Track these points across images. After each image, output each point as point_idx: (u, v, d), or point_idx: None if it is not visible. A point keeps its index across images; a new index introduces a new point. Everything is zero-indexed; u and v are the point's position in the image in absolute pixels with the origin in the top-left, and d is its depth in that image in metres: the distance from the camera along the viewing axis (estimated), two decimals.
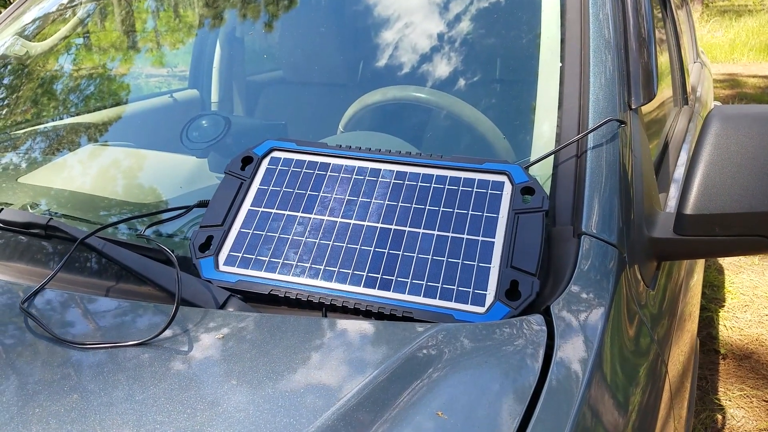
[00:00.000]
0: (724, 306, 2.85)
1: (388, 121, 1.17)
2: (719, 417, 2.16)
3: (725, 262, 3.24)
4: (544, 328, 0.64)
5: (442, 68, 1.14)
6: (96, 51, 1.63)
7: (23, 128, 1.35)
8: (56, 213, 0.97)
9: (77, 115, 1.42)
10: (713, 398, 2.23)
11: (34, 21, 1.61)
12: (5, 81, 1.47)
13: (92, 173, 1.11)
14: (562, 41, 0.95)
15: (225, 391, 0.57)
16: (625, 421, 0.62)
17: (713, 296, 2.92)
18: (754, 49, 8.90)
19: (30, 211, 0.98)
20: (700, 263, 1.36)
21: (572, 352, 0.62)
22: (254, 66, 1.85)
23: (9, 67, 1.48)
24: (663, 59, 1.60)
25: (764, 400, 2.22)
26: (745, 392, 2.27)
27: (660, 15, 1.67)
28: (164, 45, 1.75)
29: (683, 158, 1.36)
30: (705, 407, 2.20)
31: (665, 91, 1.54)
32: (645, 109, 1.15)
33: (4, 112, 1.41)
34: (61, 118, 1.41)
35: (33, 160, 1.20)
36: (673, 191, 1.18)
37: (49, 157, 1.21)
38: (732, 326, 2.69)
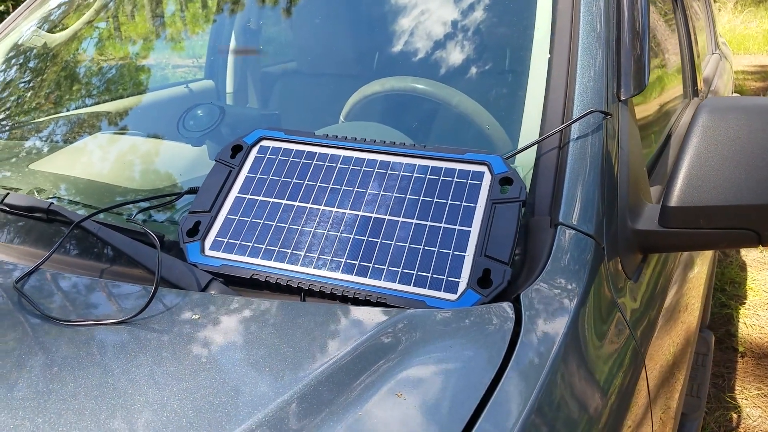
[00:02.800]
0: (745, 303, 2.80)
1: (387, 111, 1.18)
2: (734, 416, 2.12)
3: (748, 258, 3.17)
4: (513, 315, 0.65)
5: (440, 59, 1.15)
6: (111, 42, 1.68)
7: (40, 117, 1.40)
8: (59, 198, 1.01)
9: (93, 105, 1.47)
10: (728, 396, 2.19)
11: (51, 12, 1.66)
12: (23, 71, 1.53)
13: (98, 161, 1.16)
14: (552, 33, 0.95)
15: (193, 368, 0.60)
16: (592, 410, 0.63)
17: (734, 293, 2.86)
18: None
19: (35, 195, 1.02)
20: (704, 256, 1.34)
21: (538, 339, 0.62)
22: (268, 58, 1.88)
23: (26, 57, 1.54)
24: (672, 51, 1.57)
25: None
26: (763, 391, 2.23)
27: (670, 6, 1.64)
28: (180, 37, 1.79)
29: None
30: (720, 405, 2.16)
31: (671, 83, 1.52)
32: (645, 100, 1.14)
33: (22, 101, 1.46)
34: (76, 109, 1.46)
35: (45, 148, 1.25)
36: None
37: (59, 146, 1.26)
38: (752, 324, 2.63)
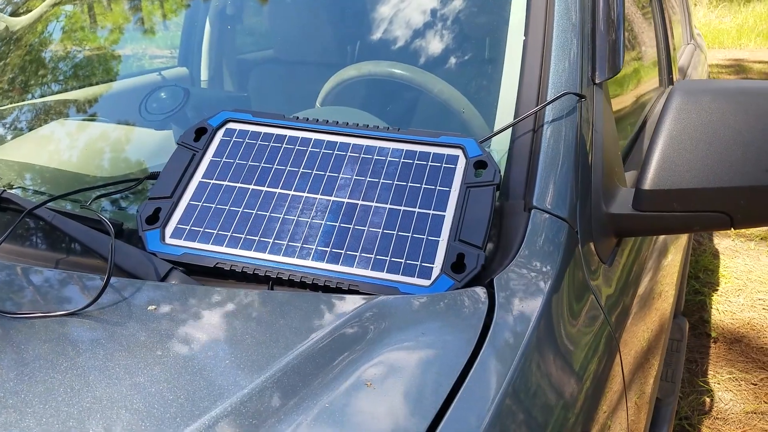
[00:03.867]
0: (717, 290, 2.84)
1: (364, 96, 1.16)
2: (707, 399, 2.15)
3: (720, 246, 3.22)
4: (486, 300, 0.64)
5: (418, 45, 1.12)
6: (80, 27, 1.62)
7: (2, 104, 1.35)
8: (21, 187, 0.97)
9: (59, 92, 1.42)
10: (701, 381, 2.22)
11: None
12: None
13: (62, 148, 1.11)
14: (527, 17, 0.93)
15: (147, 362, 0.56)
16: (566, 395, 0.62)
17: (707, 280, 2.91)
18: (762, 34, 8.76)
19: None
20: (678, 244, 1.34)
21: (511, 324, 0.61)
22: (244, 45, 1.83)
23: None
24: (647, 40, 1.57)
25: (752, 384, 2.22)
26: (734, 375, 2.26)
27: None
28: (152, 22, 1.74)
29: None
30: (693, 390, 2.19)
31: (648, 71, 1.51)
32: (622, 88, 1.13)
33: None
34: (41, 96, 1.40)
35: (8, 136, 1.20)
36: None
37: (17, 133, 1.20)
38: (724, 310, 2.67)
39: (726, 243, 3.26)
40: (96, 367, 0.56)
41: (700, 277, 2.91)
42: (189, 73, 1.93)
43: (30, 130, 1.22)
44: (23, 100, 1.38)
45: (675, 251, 1.29)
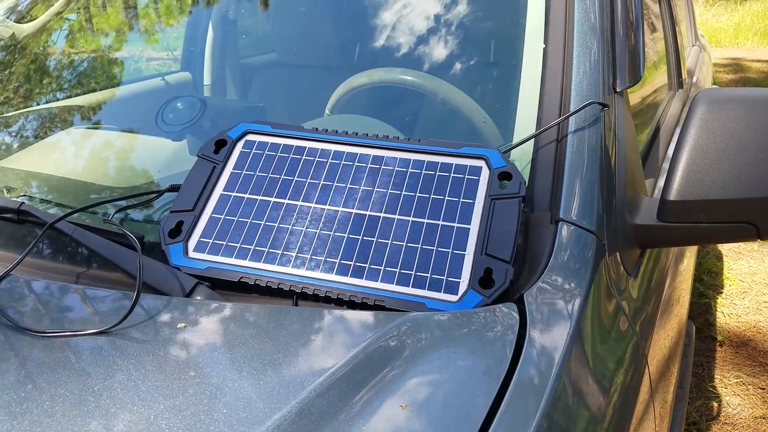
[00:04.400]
0: (722, 293, 2.84)
1: (375, 103, 1.15)
2: (715, 404, 2.15)
3: (724, 248, 3.22)
4: (517, 317, 0.63)
5: (429, 51, 1.11)
6: (83, 34, 1.61)
7: (8, 111, 1.33)
8: (30, 197, 0.95)
9: (65, 99, 1.41)
10: (709, 386, 2.22)
11: (19, 2, 1.59)
12: None
13: (72, 157, 1.10)
14: (546, 23, 0.93)
15: (181, 383, 0.55)
16: (599, 411, 0.61)
17: (711, 283, 2.90)
18: (759, 33, 8.78)
19: (5, 195, 0.97)
20: (692, 248, 1.34)
21: (544, 342, 0.60)
22: (247, 49, 1.82)
23: None
24: (657, 43, 1.56)
25: (761, 388, 2.21)
26: (742, 379, 2.26)
27: None
28: (156, 27, 1.73)
29: (675, 143, 1.34)
30: (701, 395, 2.19)
31: (659, 75, 1.51)
32: (635, 93, 1.13)
33: None
34: (46, 102, 1.39)
35: (15, 144, 1.18)
36: (662, 177, 1.16)
37: (30, 141, 1.19)
38: (730, 313, 2.67)
39: (729, 245, 3.26)
40: (130, 389, 0.55)
41: (704, 280, 2.91)
42: (192, 77, 1.93)
43: (39, 137, 1.21)
44: (29, 107, 1.36)
45: (690, 256, 1.29)
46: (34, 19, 1.55)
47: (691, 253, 1.30)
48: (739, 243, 3.23)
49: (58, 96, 1.42)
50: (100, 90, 1.45)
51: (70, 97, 1.41)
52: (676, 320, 1.04)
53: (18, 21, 1.56)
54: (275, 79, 1.54)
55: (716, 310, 2.69)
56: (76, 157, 1.10)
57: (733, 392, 2.20)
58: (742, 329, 2.55)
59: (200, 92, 1.82)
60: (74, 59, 1.53)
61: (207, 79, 1.89)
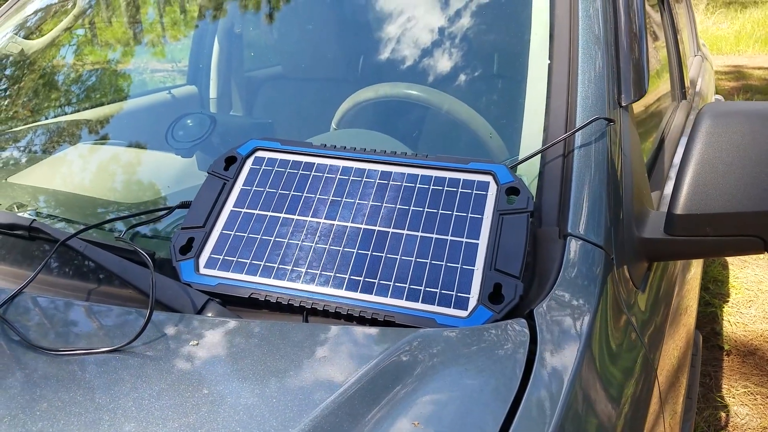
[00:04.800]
0: (728, 301, 2.83)
1: (381, 118, 1.16)
2: (723, 414, 2.13)
3: (730, 257, 3.21)
4: (527, 332, 0.63)
5: (434, 66, 1.12)
6: (90, 48, 1.63)
7: (17, 126, 1.35)
8: (40, 214, 0.96)
9: (72, 113, 1.42)
10: (716, 396, 2.21)
11: (28, 19, 1.61)
12: None
13: (81, 173, 1.11)
14: (551, 38, 0.94)
15: (195, 401, 0.56)
16: (611, 425, 0.61)
17: (717, 291, 2.90)
18: (760, 40, 8.80)
19: (16, 211, 0.97)
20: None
21: (555, 357, 0.60)
22: (253, 62, 1.84)
23: (2, 65, 1.48)
24: (660, 54, 1.57)
25: None
26: (749, 389, 2.25)
27: (657, 9, 1.65)
28: (161, 41, 1.74)
29: (679, 154, 1.34)
30: (708, 405, 2.18)
31: (662, 85, 1.52)
32: (638, 104, 1.13)
33: None
34: (55, 117, 1.40)
35: (23, 161, 1.20)
36: (668, 189, 1.16)
37: (39, 156, 1.20)
38: (736, 322, 2.66)
39: None
40: (144, 407, 0.55)
41: (710, 288, 2.90)
42: (198, 91, 1.94)
43: (47, 153, 1.22)
44: (38, 122, 1.38)
45: (696, 265, 1.29)
46: (44, 35, 1.57)
47: (697, 262, 1.30)
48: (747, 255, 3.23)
49: (66, 111, 1.43)
50: (108, 104, 1.46)
51: (78, 111, 1.43)
52: (684, 330, 1.04)
53: (26, 37, 1.58)
54: (281, 92, 1.56)
55: (722, 319, 2.68)
56: (84, 172, 1.11)
57: (741, 402, 2.19)
58: (748, 338, 2.54)
59: (206, 106, 1.83)
60: (82, 73, 1.55)
61: (213, 93, 1.91)
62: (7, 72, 1.47)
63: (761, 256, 3.19)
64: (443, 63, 1.12)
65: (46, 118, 1.39)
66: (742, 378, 2.31)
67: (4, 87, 1.46)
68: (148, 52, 1.72)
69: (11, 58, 1.49)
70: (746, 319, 2.67)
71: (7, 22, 1.56)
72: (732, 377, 2.32)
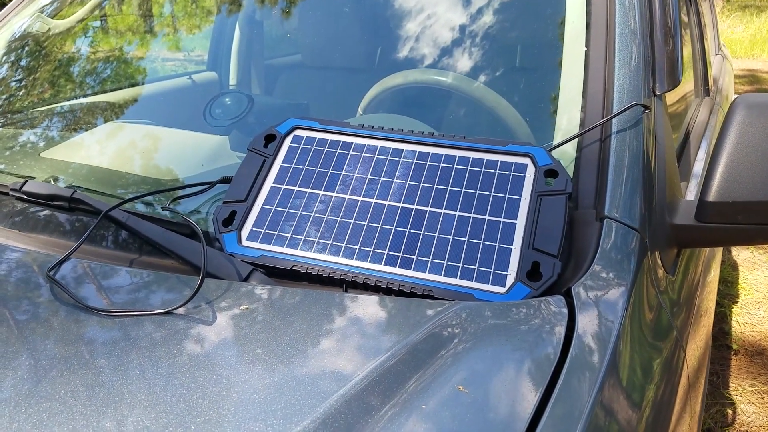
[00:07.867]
0: (737, 302, 2.84)
1: (409, 104, 1.17)
2: (730, 412, 2.15)
3: (740, 257, 3.22)
4: (565, 309, 0.65)
5: (464, 53, 1.13)
6: (116, 32, 1.64)
7: (44, 106, 1.37)
8: (79, 187, 0.98)
9: (97, 94, 1.44)
10: (724, 393, 2.22)
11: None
12: (27, 59, 1.48)
13: (114, 150, 1.13)
14: (588, 27, 0.95)
15: (245, 363, 0.58)
16: (644, 403, 0.63)
17: (727, 292, 2.91)
18: None
19: (53, 184, 0.99)
20: (717, 259, 1.35)
21: (593, 333, 0.62)
22: (274, 50, 1.85)
23: (30, 44, 1.49)
24: (686, 49, 1.58)
25: None
26: (757, 388, 2.26)
27: (684, 5, 1.65)
28: (183, 28, 1.76)
29: (703, 149, 1.35)
30: (715, 402, 2.19)
31: (687, 81, 1.53)
32: (667, 98, 1.14)
33: (25, 89, 1.42)
34: (80, 97, 1.42)
35: (54, 137, 1.21)
36: (693, 182, 1.17)
37: (70, 134, 1.22)
38: (745, 322, 2.67)
39: (745, 255, 3.26)
40: (202, 365, 0.57)
41: (720, 289, 2.91)
42: (218, 77, 1.95)
43: (75, 130, 1.24)
44: (64, 101, 1.40)
45: (715, 266, 1.30)
46: (69, 16, 1.59)
47: (716, 264, 1.32)
48: (757, 252, 3.23)
49: (93, 90, 1.45)
50: (129, 87, 1.48)
51: (103, 92, 1.44)
52: (704, 330, 1.06)
53: (53, 17, 1.59)
54: (299, 79, 1.57)
55: (731, 319, 2.69)
56: (118, 149, 1.13)
57: (747, 400, 2.20)
58: (757, 338, 2.55)
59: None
60: (106, 57, 1.57)
61: (233, 79, 1.92)
62: (36, 51, 1.49)
63: None
64: (476, 51, 1.13)
65: (75, 98, 1.41)
66: (749, 377, 2.32)
67: (32, 65, 1.47)
68: (170, 40, 1.74)
69: (38, 38, 1.50)
70: (755, 320, 2.68)
71: (34, 2, 1.58)
72: (740, 376, 2.33)
